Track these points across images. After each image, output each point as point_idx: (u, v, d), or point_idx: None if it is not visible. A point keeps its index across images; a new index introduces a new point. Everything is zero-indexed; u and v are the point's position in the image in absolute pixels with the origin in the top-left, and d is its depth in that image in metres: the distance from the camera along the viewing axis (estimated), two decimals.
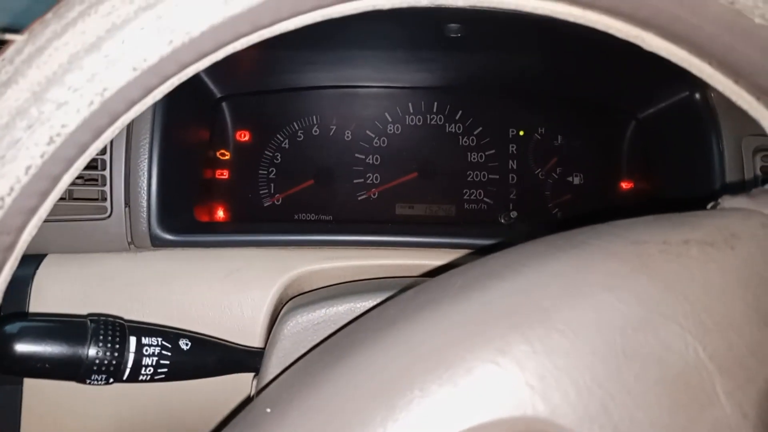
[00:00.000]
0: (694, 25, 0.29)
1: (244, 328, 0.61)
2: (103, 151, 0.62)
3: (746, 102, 0.32)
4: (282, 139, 0.88)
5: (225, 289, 0.62)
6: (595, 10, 0.30)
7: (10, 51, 0.25)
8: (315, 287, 0.63)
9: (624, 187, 0.88)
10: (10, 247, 0.27)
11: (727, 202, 0.33)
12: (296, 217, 0.88)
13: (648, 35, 0.30)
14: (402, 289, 0.36)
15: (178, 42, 0.26)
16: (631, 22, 0.30)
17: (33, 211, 0.27)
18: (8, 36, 0.25)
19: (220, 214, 0.86)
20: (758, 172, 0.68)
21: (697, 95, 0.73)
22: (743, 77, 0.30)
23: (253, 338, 0.60)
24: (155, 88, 0.28)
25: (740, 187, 0.68)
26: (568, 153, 0.89)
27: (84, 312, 0.51)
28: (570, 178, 0.89)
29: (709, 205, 0.34)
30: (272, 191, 0.88)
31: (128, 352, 0.45)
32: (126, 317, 0.51)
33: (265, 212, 0.87)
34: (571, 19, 0.31)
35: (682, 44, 0.30)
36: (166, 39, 0.26)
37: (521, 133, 0.89)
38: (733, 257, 0.29)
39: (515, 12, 0.31)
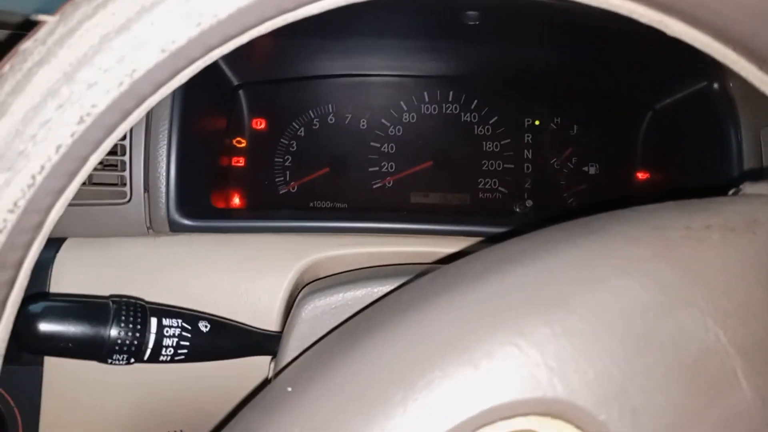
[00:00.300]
0: (718, 9, 0.28)
1: (260, 312, 0.61)
2: (123, 137, 0.62)
3: None
4: (298, 128, 0.88)
5: (241, 274, 0.63)
6: None
7: (42, 32, 0.25)
8: (330, 273, 0.63)
9: (640, 177, 0.87)
10: (39, 226, 0.27)
11: (749, 188, 0.33)
12: (311, 204, 0.88)
13: (671, 20, 0.30)
14: (419, 274, 0.36)
15: (206, 24, 0.26)
16: (654, 6, 0.30)
17: (61, 191, 0.27)
18: (41, 17, 0.25)
19: (236, 201, 0.86)
20: None
21: (716, 85, 0.72)
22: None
23: (269, 323, 0.61)
24: (181, 70, 0.28)
25: (759, 174, 0.68)
26: (583, 143, 0.88)
27: (104, 294, 0.51)
28: (585, 168, 0.88)
29: (731, 191, 0.34)
30: (288, 179, 0.88)
31: (149, 332, 0.46)
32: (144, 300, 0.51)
33: (280, 200, 0.88)
34: (594, 3, 0.30)
35: (705, 29, 0.30)
36: (195, 21, 0.26)
37: (537, 122, 0.88)
38: (755, 242, 0.29)
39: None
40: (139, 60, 0.26)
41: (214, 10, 0.26)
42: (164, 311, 0.48)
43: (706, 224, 0.29)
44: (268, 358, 0.55)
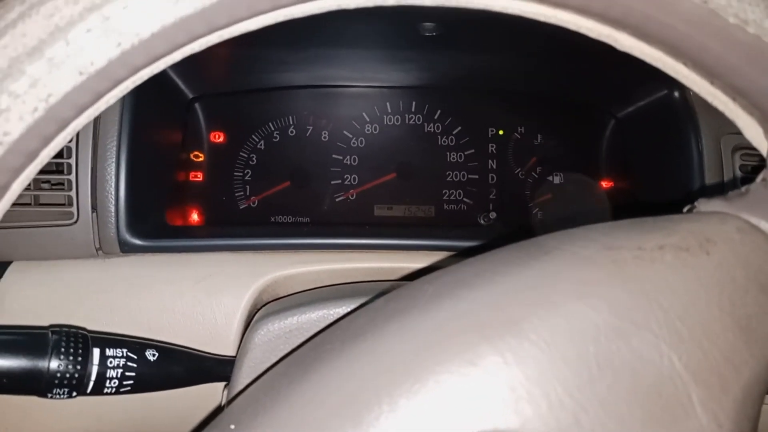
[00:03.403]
0: (668, 24, 0.28)
1: (217, 335, 0.59)
2: (69, 155, 0.60)
3: (722, 103, 0.31)
4: (257, 140, 0.86)
5: (197, 296, 0.60)
6: (566, 10, 0.29)
7: None
8: (291, 292, 0.61)
9: (603, 186, 0.88)
10: None
11: (704, 205, 0.32)
12: (272, 219, 0.86)
13: (621, 35, 0.30)
14: (376, 294, 0.35)
15: (128, 44, 0.25)
16: (603, 21, 0.29)
17: None
18: None
19: (195, 217, 0.84)
20: (737, 171, 0.68)
21: (676, 93, 0.72)
22: (718, 78, 0.29)
23: (226, 346, 0.59)
24: (106, 92, 0.27)
25: (719, 189, 0.68)
26: (547, 152, 0.88)
27: (51, 321, 0.49)
28: (550, 178, 0.88)
29: (686, 209, 0.33)
30: (248, 193, 0.86)
31: (91, 364, 0.44)
32: (94, 326, 0.49)
33: (240, 215, 0.86)
34: (542, 18, 0.30)
35: (655, 44, 0.29)
36: (114, 41, 0.25)
37: (501, 132, 0.88)
38: (709, 262, 0.29)
39: (486, 11, 0.31)
40: (54, 84, 0.24)
41: (135, 29, 0.25)
42: (108, 340, 0.46)
43: (660, 244, 0.29)
44: (222, 384, 0.53)
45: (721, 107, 0.32)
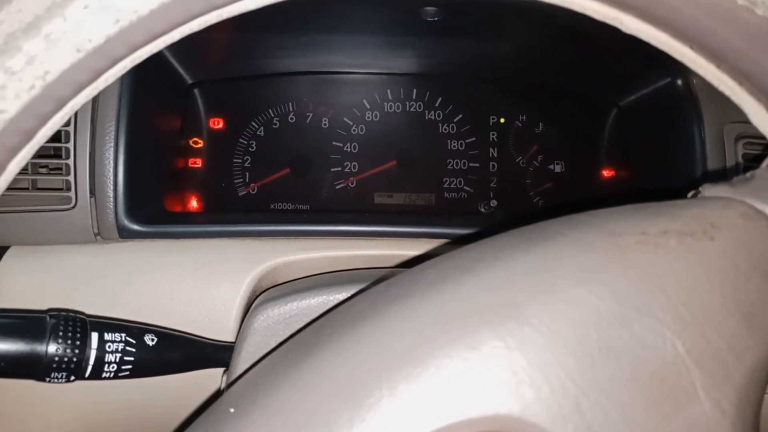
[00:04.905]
0: (675, 6, 0.27)
1: (216, 321, 0.59)
2: (67, 139, 0.60)
3: (728, 87, 0.31)
4: (257, 127, 0.86)
5: (196, 282, 0.60)
6: None
7: None
8: (290, 279, 0.61)
9: (605, 175, 0.87)
10: None
11: (708, 191, 0.32)
12: (272, 206, 0.86)
13: (627, 17, 0.29)
14: (376, 281, 0.35)
15: (126, 21, 0.24)
16: (608, 2, 0.29)
17: None
18: None
19: (194, 204, 0.84)
20: (740, 160, 0.68)
21: (679, 82, 0.72)
22: (726, 62, 0.29)
23: (225, 332, 0.59)
24: (105, 71, 0.26)
25: (722, 175, 0.68)
26: (549, 141, 0.88)
27: (49, 306, 0.49)
28: (551, 166, 0.88)
29: (690, 194, 0.33)
30: (247, 180, 0.86)
31: (90, 348, 0.44)
32: (92, 312, 0.49)
33: (239, 202, 0.85)
34: None
35: (662, 27, 0.29)
36: (113, 18, 0.24)
37: (502, 120, 0.88)
38: (712, 248, 0.28)
39: None
40: (51, 61, 0.24)
41: (134, 6, 0.24)
42: (106, 325, 0.46)
43: (663, 229, 0.28)
44: (221, 370, 0.53)
45: (727, 92, 0.31)
